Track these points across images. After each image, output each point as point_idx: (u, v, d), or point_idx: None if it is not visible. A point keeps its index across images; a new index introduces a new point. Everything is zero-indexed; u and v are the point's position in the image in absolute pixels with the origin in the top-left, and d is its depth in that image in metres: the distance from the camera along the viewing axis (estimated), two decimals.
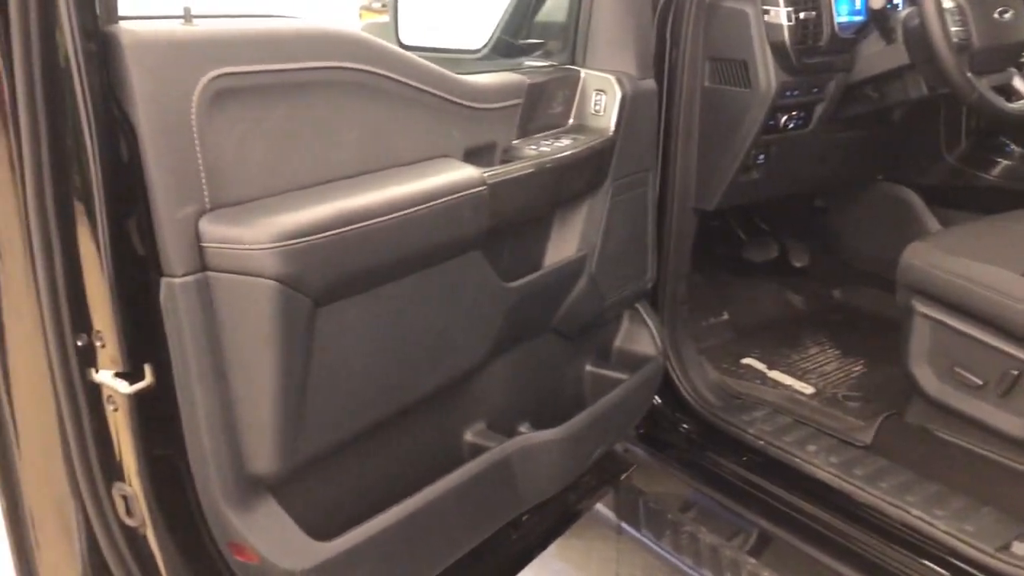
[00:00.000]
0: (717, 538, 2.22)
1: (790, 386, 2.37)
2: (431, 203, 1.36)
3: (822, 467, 2.01)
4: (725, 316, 2.66)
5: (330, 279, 1.21)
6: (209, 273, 1.14)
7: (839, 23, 2.14)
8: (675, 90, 2.11)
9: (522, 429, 1.83)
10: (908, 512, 1.83)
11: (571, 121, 1.87)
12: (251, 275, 1.12)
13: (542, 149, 1.70)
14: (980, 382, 1.88)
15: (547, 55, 2.05)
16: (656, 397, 2.32)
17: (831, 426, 2.16)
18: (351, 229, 1.22)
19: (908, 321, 2.01)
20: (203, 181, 1.12)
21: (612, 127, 1.85)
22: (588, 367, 2.05)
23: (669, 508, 2.34)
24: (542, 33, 2.10)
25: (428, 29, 2.09)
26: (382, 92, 1.37)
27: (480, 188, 1.45)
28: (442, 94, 1.49)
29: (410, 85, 1.42)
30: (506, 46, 2.11)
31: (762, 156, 2.26)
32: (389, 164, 1.40)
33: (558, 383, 1.97)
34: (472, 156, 1.60)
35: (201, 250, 1.13)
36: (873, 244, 2.84)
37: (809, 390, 2.35)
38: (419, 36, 2.07)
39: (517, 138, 1.71)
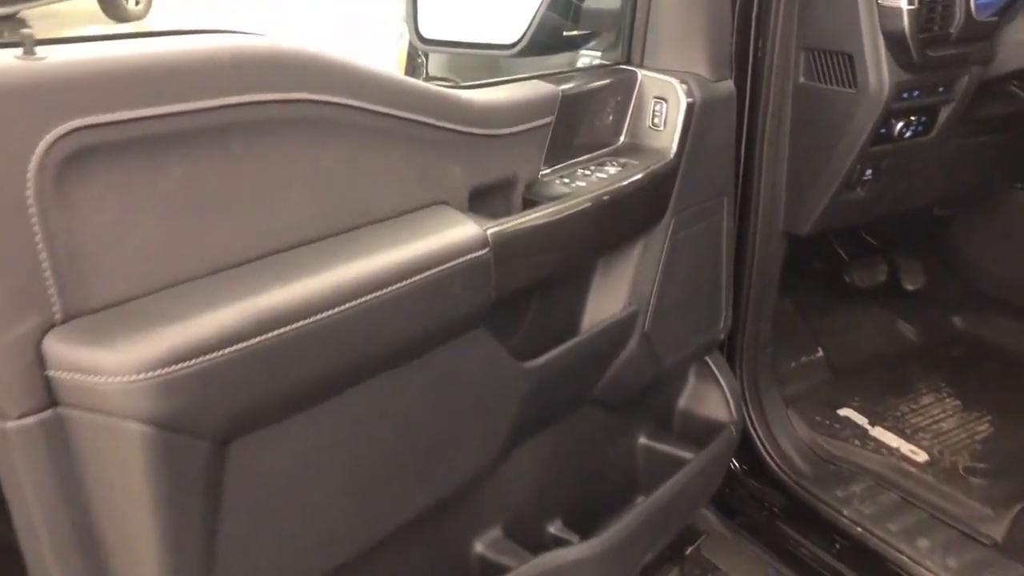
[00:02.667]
0: None
1: (897, 449, 1.94)
2: (405, 282, 1.00)
3: (935, 570, 1.60)
4: (819, 353, 2.23)
5: (243, 406, 0.87)
6: (61, 410, 0.81)
7: (976, 4, 1.67)
8: (760, 91, 1.69)
9: (553, 530, 1.47)
10: None
11: (622, 139, 1.48)
12: (113, 415, 0.79)
13: (578, 184, 1.31)
14: None
15: (597, 49, 1.65)
16: (732, 460, 1.93)
17: (950, 512, 1.73)
18: (279, 334, 0.87)
19: None
20: (49, 282, 0.78)
21: (675, 146, 1.45)
22: (642, 440, 1.67)
23: None
24: (592, 22, 1.69)
25: (454, 20, 1.71)
26: (345, 128, 1.01)
27: (480, 252, 1.09)
28: (436, 121, 1.12)
29: (387, 115, 1.05)
30: (547, 38, 1.71)
31: (870, 171, 1.81)
32: (358, 223, 1.04)
33: (601, 466, 1.61)
34: (482, 198, 1.23)
35: (47, 380, 0.80)
36: (1007, 264, 2.35)
37: (921, 456, 1.91)
38: (442, 28, 1.70)
39: (546, 168, 1.34)
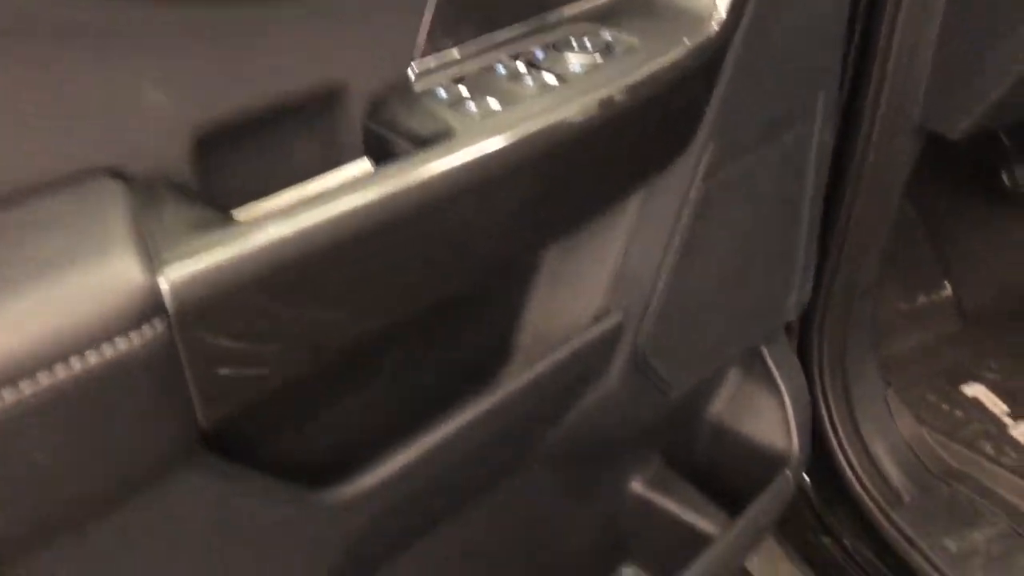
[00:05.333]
0: None
1: None
2: None
3: None
4: (947, 291, 1.50)
5: None
6: None
7: None
8: None
9: None
10: None
11: None
12: None
13: (500, 98, 0.61)
14: None
15: None
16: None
17: None
18: None
19: None
20: None
21: (725, 8, 0.71)
22: (635, 486, 1.04)
23: None
24: None
25: None
26: None
27: (139, 331, 0.43)
28: None
29: None
30: None
31: None
32: None
33: (559, 536, 0.99)
34: (240, 147, 0.55)
35: None
36: None
37: None
38: None
39: (428, 58, 0.63)
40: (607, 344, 0.79)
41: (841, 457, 1.26)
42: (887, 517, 1.22)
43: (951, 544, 1.17)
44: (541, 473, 0.90)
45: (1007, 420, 1.34)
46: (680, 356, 0.89)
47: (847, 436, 1.27)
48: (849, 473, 1.26)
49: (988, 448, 1.29)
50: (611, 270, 0.77)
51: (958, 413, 1.35)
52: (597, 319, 0.77)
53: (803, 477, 1.27)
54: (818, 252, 1.15)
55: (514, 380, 0.73)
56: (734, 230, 0.87)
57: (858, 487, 1.25)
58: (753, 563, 1.39)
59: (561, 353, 0.76)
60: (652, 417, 0.91)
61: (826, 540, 1.27)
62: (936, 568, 1.15)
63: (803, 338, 1.25)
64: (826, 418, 1.27)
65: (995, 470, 1.26)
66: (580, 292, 0.77)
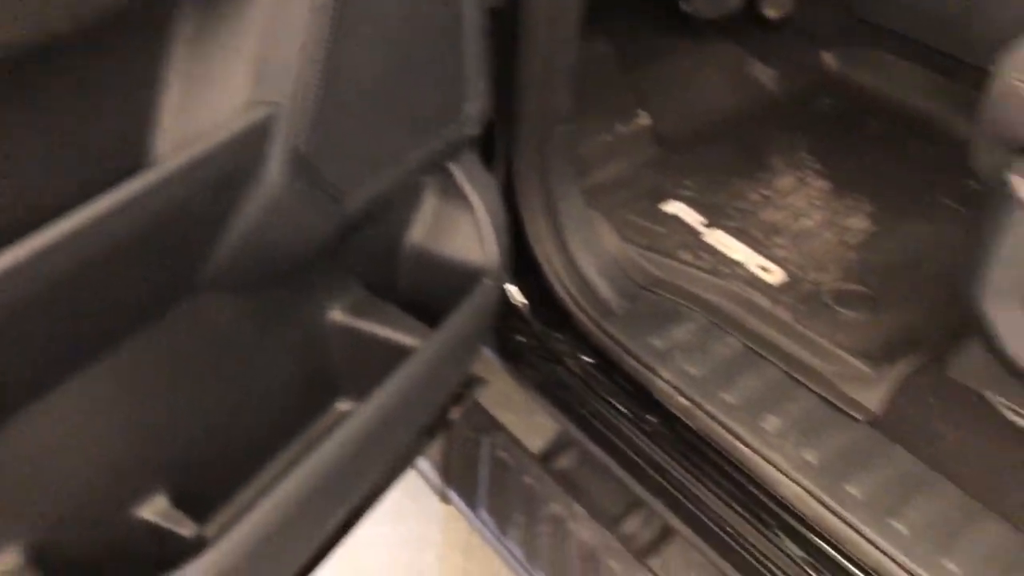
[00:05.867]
0: (595, 529, 1.32)
1: (741, 265, 1.35)
2: None
3: (785, 468, 1.07)
4: (641, 118, 1.56)
5: None
6: None
7: None
8: None
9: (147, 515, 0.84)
10: None
11: None
12: None
13: None
14: None
15: None
16: (510, 288, 1.32)
17: (809, 368, 1.18)
18: None
19: (996, 209, 0.96)
20: None
21: None
22: (336, 315, 1.00)
23: (524, 466, 1.42)
24: None
25: None
26: None
27: None
28: None
29: None
30: None
31: None
32: None
33: (250, 379, 0.94)
34: None
35: None
36: None
37: (775, 276, 1.33)
38: None
39: None
40: (256, 139, 0.73)
41: (553, 277, 1.29)
42: (599, 327, 1.25)
43: (657, 343, 1.23)
44: (227, 300, 0.84)
45: (702, 229, 1.41)
46: (347, 161, 0.84)
47: (558, 257, 1.29)
48: (562, 292, 1.28)
49: (686, 255, 1.36)
50: (250, 59, 0.71)
51: (659, 229, 1.41)
52: (246, 110, 0.71)
53: (510, 290, 1.28)
54: (505, 75, 1.15)
55: (145, 178, 0.66)
56: (385, 28, 0.82)
57: (572, 304, 1.28)
58: (485, 395, 1.40)
59: (200, 148, 0.69)
60: (330, 228, 0.86)
61: (546, 356, 1.30)
62: (645, 365, 1.20)
63: (509, 166, 1.25)
64: (536, 241, 1.29)
65: (692, 273, 1.33)
66: (219, 88, 0.71)
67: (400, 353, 0.95)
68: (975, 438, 1.07)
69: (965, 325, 1.08)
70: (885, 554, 0.99)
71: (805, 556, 1.05)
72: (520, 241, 1.30)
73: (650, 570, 1.30)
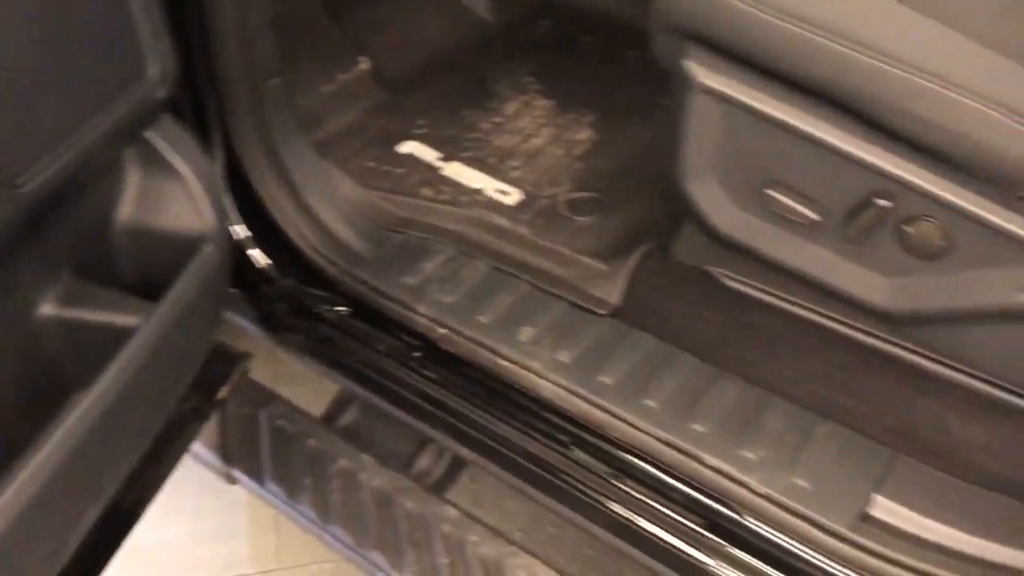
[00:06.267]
0: (386, 474, 1.34)
1: (481, 192, 1.39)
2: None
3: (544, 373, 1.12)
4: (362, 64, 1.55)
5: None
6: None
7: None
8: None
9: None
10: (682, 448, 1.02)
11: None
12: None
13: None
14: (816, 216, 0.99)
15: None
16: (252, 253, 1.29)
17: (555, 276, 1.24)
18: None
19: (681, 96, 1.04)
20: None
21: None
22: (46, 310, 0.94)
23: (307, 430, 1.41)
24: None
25: None
26: None
27: None
28: None
29: None
30: None
31: None
32: None
33: None
34: None
35: None
36: None
37: (513, 196, 1.38)
38: None
39: None
40: None
41: (296, 235, 1.27)
42: (350, 275, 1.25)
43: (410, 280, 1.24)
44: None
45: (439, 164, 1.43)
46: (11, 140, 0.79)
47: (297, 214, 1.28)
48: (307, 247, 1.27)
49: (427, 192, 1.38)
50: None
51: (398, 170, 1.42)
52: None
53: (253, 256, 1.26)
54: (199, 33, 1.11)
55: None
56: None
57: (319, 258, 1.27)
58: (256, 369, 1.38)
59: None
60: (10, 215, 0.81)
61: (306, 316, 1.29)
62: (400, 303, 1.22)
63: (225, 128, 1.21)
64: (271, 201, 1.27)
65: (435, 208, 1.35)
66: None
67: (124, 335, 0.91)
68: (704, 310, 1.16)
69: (681, 210, 1.16)
70: (641, 430, 1.06)
71: (585, 454, 1.11)
72: (254, 203, 1.28)
73: (447, 501, 1.33)
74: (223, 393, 1.33)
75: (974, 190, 0.89)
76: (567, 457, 1.11)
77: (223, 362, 1.35)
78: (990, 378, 1.01)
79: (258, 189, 1.27)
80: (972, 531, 0.96)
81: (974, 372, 1.02)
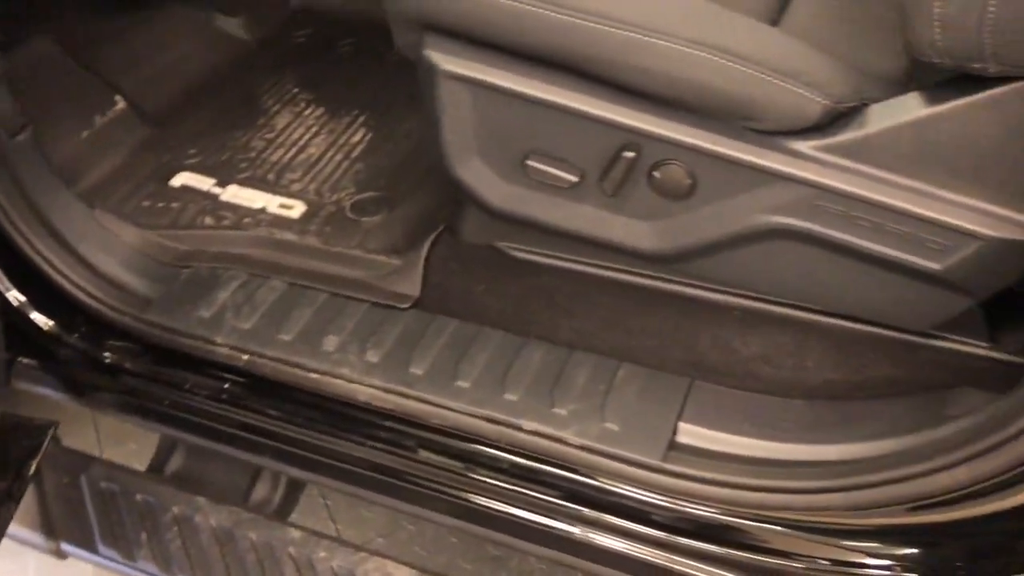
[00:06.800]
0: (223, 511, 1.31)
1: (264, 211, 1.37)
2: None
3: (356, 377, 1.13)
4: (119, 104, 1.49)
5: None
6: None
7: None
8: None
9: None
10: (500, 420, 1.06)
11: None
12: None
13: None
14: (574, 178, 1.04)
15: None
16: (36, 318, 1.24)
17: (349, 280, 1.24)
18: None
19: (428, 85, 1.06)
20: None
21: None
22: None
23: (134, 486, 1.36)
24: None
25: None
26: None
27: None
28: None
29: None
30: None
31: None
32: None
33: None
34: None
35: None
36: None
37: (298, 209, 1.37)
38: None
39: None
40: None
41: (76, 291, 1.22)
42: (143, 320, 1.22)
43: (204, 313, 1.22)
44: None
45: (216, 190, 1.40)
46: None
47: (74, 270, 1.23)
48: (91, 301, 1.22)
49: (209, 220, 1.35)
50: None
51: (174, 205, 1.38)
52: None
53: (36, 321, 1.21)
54: None
55: None
56: None
57: (107, 310, 1.22)
58: (67, 436, 1.32)
59: None
60: None
61: (108, 371, 1.24)
62: (199, 337, 1.19)
63: None
64: (44, 263, 1.21)
65: (220, 235, 1.32)
66: None
67: None
68: (499, 284, 1.20)
69: (460, 193, 1.19)
70: (459, 412, 1.09)
71: (429, 452, 1.13)
72: (26, 265, 1.22)
73: (292, 524, 1.32)
74: (32, 469, 1.26)
75: (706, 128, 0.96)
76: (402, 457, 1.13)
77: (27, 436, 1.28)
78: (759, 295, 1.10)
79: (25, 250, 1.21)
80: (769, 437, 1.05)
81: (744, 292, 1.10)
